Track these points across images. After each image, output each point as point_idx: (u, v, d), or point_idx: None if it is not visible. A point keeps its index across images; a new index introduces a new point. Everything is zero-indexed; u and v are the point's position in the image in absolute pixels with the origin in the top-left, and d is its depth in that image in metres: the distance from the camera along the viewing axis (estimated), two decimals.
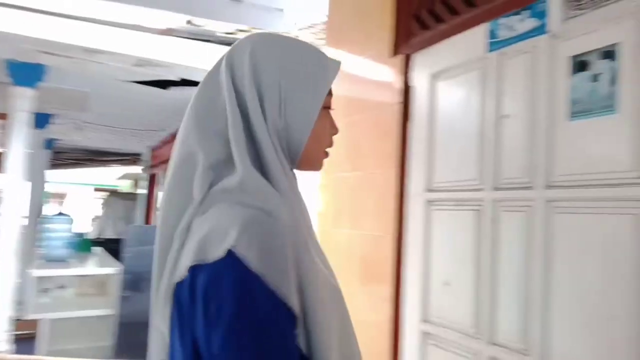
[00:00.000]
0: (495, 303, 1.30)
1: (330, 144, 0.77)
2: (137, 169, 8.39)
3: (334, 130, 0.77)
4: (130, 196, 9.13)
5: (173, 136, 5.73)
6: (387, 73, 1.79)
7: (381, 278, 1.72)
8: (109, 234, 8.45)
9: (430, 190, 1.57)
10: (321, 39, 2.65)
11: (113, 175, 10.12)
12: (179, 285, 0.59)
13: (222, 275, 0.54)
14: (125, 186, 10.19)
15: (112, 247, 5.29)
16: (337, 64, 0.74)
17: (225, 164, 0.63)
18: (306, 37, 3.03)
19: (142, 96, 4.06)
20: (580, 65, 1.14)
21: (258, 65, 0.66)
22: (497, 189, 1.33)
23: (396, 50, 1.75)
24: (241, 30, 3.15)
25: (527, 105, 1.26)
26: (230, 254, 0.54)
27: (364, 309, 1.79)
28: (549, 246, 1.17)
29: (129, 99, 4.30)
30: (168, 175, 0.67)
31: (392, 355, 1.64)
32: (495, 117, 1.35)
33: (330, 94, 0.74)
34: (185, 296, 0.58)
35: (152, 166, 7.26)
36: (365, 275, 1.82)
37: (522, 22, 1.29)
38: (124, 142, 7.01)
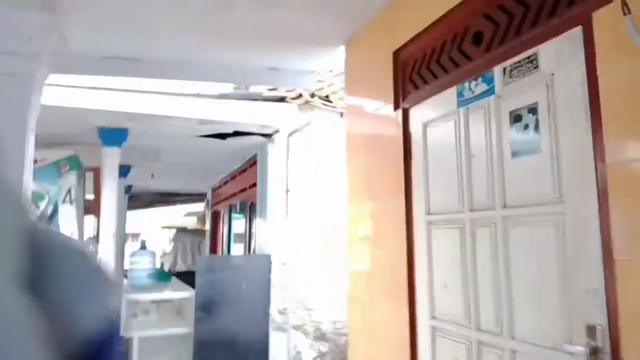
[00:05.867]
0: (477, 298, 1.71)
1: None
2: (200, 207, 9.27)
3: None
4: (197, 232, 10.02)
5: (231, 177, 6.44)
6: (392, 122, 2.26)
7: (399, 286, 2.15)
8: (179, 267, 9.31)
9: (428, 214, 2.01)
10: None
11: (180, 214, 11.13)
12: None
13: None
14: (191, 223, 11.16)
15: (183, 278, 6.01)
16: None
17: None
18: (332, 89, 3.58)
19: (204, 146, 4.78)
20: (516, 118, 1.57)
21: None
22: (472, 210, 1.76)
23: (397, 105, 2.23)
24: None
25: (485, 147, 1.69)
26: None
27: (386, 313, 2.22)
28: (507, 251, 1.58)
29: (193, 149, 5.04)
30: None
31: (411, 347, 2.05)
32: (466, 156, 1.79)
33: None
34: None
35: (214, 204, 8.05)
36: (386, 284, 2.26)
37: (478, 86, 1.74)
38: (189, 184, 7.87)
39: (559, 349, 1.36)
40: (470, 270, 1.75)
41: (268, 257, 4.81)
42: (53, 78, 3.12)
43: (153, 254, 5.08)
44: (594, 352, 1.25)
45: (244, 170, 5.66)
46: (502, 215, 1.61)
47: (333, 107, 4.41)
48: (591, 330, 1.27)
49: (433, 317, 1.96)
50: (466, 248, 1.77)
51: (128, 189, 7.07)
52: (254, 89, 3.45)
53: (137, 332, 4.35)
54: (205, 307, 4.46)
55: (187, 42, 2.72)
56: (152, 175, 6.20)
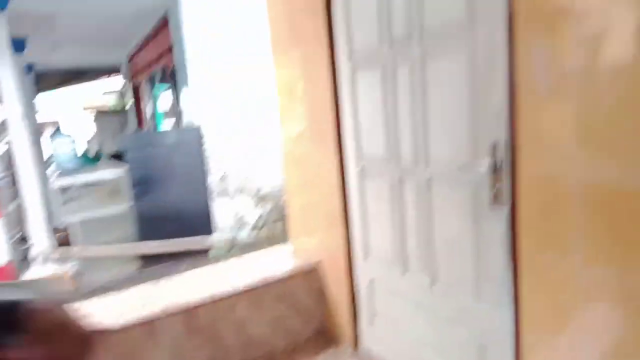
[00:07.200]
0: (398, 136, 1.78)
1: None
2: (119, 81, 8.56)
3: None
4: (120, 111, 9.41)
5: (145, 43, 5.86)
6: None
7: (327, 134, 2.18)
8: (109, 149, 8.93)
9: (351, 55, 1.96)
10: None
11: (98, 93, 10.25)
12: None
13: None
14: (112, 102, 10.38)
15: (115, 160, 5.79)
16: None
17: None
18: None
19: (105, 7, 4.20)
20: None
21: None
22: (391, 45, 1.73)
23: None
24: None
25: None
26: None
27: (317, 164, 2.30)
28: (424, 83, 1.61)
29: (94, 12, 4.42)
30: None
31: (342, 191, 2.17)
32: None
33: None
34: None
35: (133, 76, 7.44)
36: (316, 134, 2.29)
37: None
38: (101, 55, 7.10)
39: (466, 168, 1.48)
40: (392, 110, 1.79)
41: (198, 128, 4.68)
42: None
43: (71, 138, 4.79)
44: (495, 166, 1.37)
45: (157, 33, 5.14)
46: (420, 48, 1.60)
47: None
48: (494, 148, 1.38)
49: (359, 160, 2.05)
50: (387, 87, 1.79)
51: (29, 68, 6.28)
52: None
53: (75, 217, 4.30)
54: (142, 182, 4.42)
55: None
56: (54, 47, 5.48)
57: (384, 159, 1.88)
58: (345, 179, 2.16)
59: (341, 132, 2.12)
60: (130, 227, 4.44)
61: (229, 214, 4.67)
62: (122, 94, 9.01)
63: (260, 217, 4.85)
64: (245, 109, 4.37)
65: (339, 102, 2.10)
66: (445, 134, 1.57)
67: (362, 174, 2.06)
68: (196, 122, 4.85)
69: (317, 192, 2.38)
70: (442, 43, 1.52)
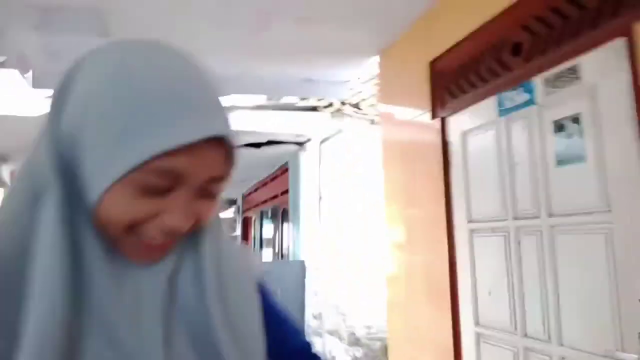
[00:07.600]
0: (523, 305, 1.73)
1: (150, 234, 0.46)
2: (230, 213, 9.47)
3: (160, 220, 0.45)
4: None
5: (262, 184, 6.57)
6: (430, 131, 2.30)
7: (441, 293, 2.18)
8: None
9: (470, 222, 2.04)
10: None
11: None
12: None
13: None
14: None
15: None
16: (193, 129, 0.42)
17: None
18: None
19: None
20: (559, 127, 1.59)
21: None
22: (516, 218, 1.78)
23: (434, 114, 2.27)
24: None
25: (529, 155, 1.72)
26: None
27: (428, 320, 2.25)
28: (554, 259, 1.60)
29: None
30: None
31: (455, 353, 2.08)
32: (508, 164, 1.81)
33: (170, 174, 0.43)
34: None
35: (245, 210, 8.21)
36: (428, 291, 2.30)
37: (519, 95, 1.76)
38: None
39: (610, 356, 1.37)
40: (516, 278, 1.77)
41: (302, 262, 4.88)
42: None
43: None
44: None
45: (276, 177, 5.77)
46: (548, 224, 1.63)
47: (363, 114, 4.46)
48: None
49: (477, 324, 1.99)
50: (511, 256, 1.80)
51: None
52: (286, 99, 3.55)
53: None
54: None
55: (223, 58, 2.82)
56: None
57: (507, 328, 1.80)
58: (460, 343, 2.08)
59: (457, 292, 2.11)
60: None
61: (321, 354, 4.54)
62: (231, 224, 9.87)
63: None
64: (351, 252, 4.51)
65: (455, 263, 2.13)
66: (581, 314, 1.50)
67: (480, 339, 1.97)
68: (298, 256, 5.07)
69: (427, 352, 2.29)
70: (573, 222, 1.54)
